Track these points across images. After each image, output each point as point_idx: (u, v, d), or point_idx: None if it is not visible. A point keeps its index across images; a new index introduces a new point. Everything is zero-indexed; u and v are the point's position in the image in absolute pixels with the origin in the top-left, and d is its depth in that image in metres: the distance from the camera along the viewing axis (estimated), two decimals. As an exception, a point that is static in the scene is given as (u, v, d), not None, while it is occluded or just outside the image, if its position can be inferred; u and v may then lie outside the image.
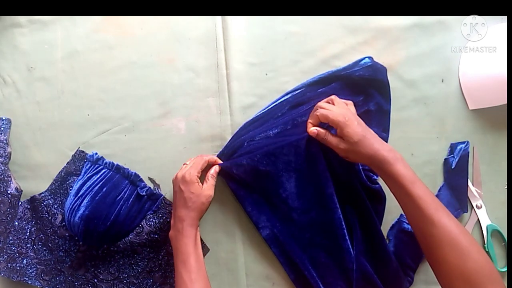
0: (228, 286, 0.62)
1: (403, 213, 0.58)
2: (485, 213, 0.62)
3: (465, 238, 0.44)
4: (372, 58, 0.61)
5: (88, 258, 0.61)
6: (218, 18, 0.63)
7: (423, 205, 0.46)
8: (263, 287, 0.62)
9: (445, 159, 0.62)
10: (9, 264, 0.60)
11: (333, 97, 0.57)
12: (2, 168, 0.61)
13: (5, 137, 0.62)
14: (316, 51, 0.63)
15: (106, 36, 0.64)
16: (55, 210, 0.61)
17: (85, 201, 0.56)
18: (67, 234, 0.61)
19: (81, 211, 0.55)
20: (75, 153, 0.63)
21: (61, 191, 0.62)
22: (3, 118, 0.63)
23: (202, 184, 0.56)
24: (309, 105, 0.60)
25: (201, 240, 0.61)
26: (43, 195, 0.62)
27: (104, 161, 0.60)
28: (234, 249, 0.62)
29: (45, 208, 0.61)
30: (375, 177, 0.60)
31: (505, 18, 0.61)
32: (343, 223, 0.57)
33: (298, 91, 0.62)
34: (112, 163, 0.60)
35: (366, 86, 0.61)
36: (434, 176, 0.62)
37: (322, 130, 0.55)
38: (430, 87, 0.62)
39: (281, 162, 0.58)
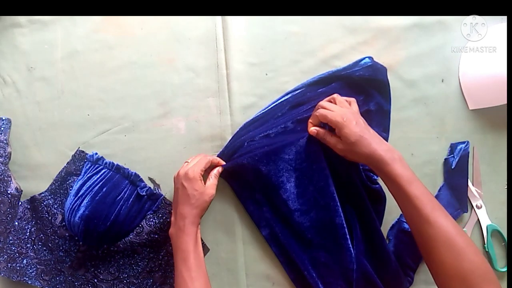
0: (228, 286, 0.62)
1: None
2: (485, 213, 0.62)
3: (461, 239, 0.44)
4: (372, 58, 0.61)
5: (88, 258, 0.61)
6: (218, 18, 0.63)
7: (419, 205, 0.47)
8: (263, 287, 0.62)
9: (445, 159, 0.62)
10: (9, 264, 0.60)
11: (335, 95, 0.57)
12: (2, 168, 0.61)
13: (5, 137, 0.62)
14: (316, 51, 0.63)
15: (106, 36, 0.64)
16: (55, 210, 0.61)
17: (85, 201, 0.56)
18: (67, 234, 0.61)
19: (81, 211, 0.55)
20: (75, 153, 0.63)
21: (61, 191, 0.62)
22: (3, 118, 0.63)
23: (205, 183, 0.56)
24: (309, 105, 0.61)
25: (201, 240, 0.61)
26: (43, 195, 0.62)
27: (104, 161, 0.60)
28: (234, 249, 0.62)
29: (45, 208, 0.61)
30: (375, 177, 0.60)
31: (505, 18, 0.61)
32: (344, 222, 0.57)
33: (298, 91, 0.62)
34: (112, 163, 0.60)
35: (366, 86, 0.61)
36: (434, 176, 0.62)
37: (321, 130, 0.55)
38: (430, 87, 0.62)
39: (281, 162, 0.58)
